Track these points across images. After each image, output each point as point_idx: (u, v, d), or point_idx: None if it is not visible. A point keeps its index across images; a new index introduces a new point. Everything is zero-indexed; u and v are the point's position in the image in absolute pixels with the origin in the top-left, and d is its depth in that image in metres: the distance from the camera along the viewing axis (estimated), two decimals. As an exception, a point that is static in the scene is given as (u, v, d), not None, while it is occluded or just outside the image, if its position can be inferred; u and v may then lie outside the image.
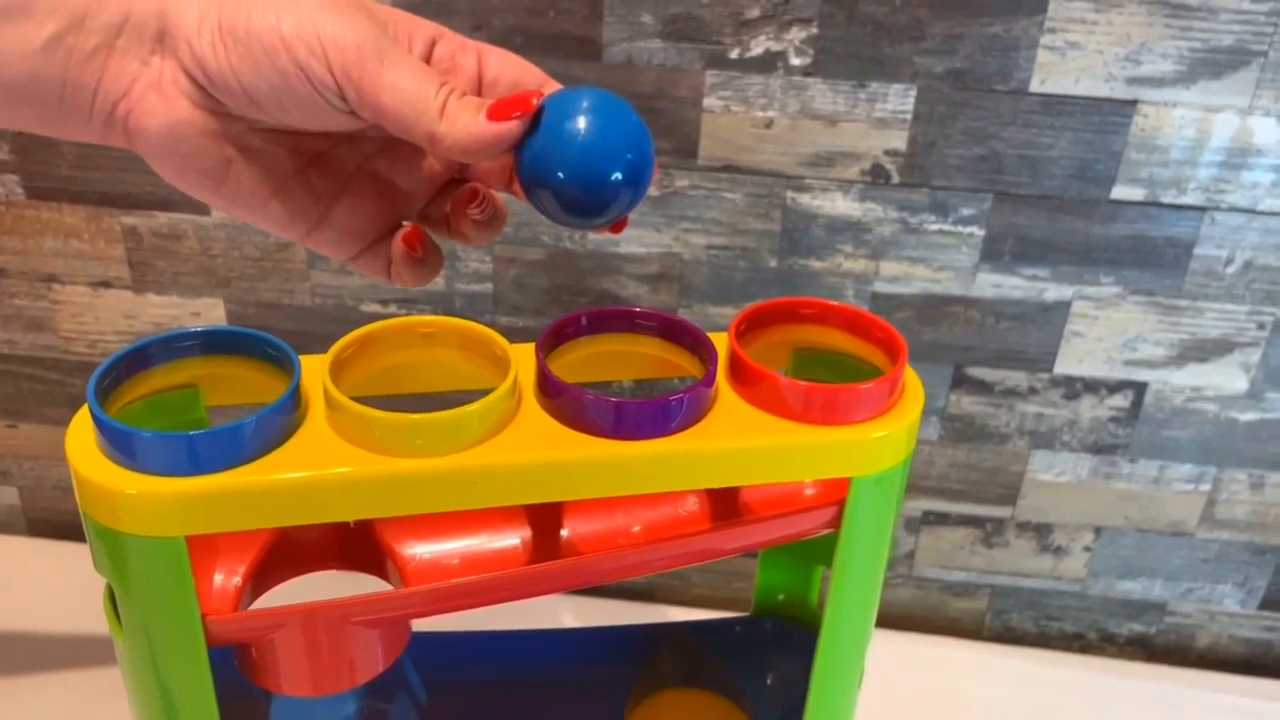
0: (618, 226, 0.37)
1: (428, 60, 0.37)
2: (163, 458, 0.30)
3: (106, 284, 0.66)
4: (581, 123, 0.34)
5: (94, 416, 0.31)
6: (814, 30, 0.56)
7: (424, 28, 0.37)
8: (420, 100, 0.33)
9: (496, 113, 0.34)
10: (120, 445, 0.30)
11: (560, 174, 0.34)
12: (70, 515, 0.75)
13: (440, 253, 0.39)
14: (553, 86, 0.38)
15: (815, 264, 0.62)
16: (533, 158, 0.34)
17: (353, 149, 0.38)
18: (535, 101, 0.34)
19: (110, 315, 0.67)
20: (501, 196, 0.40)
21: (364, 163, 0.39)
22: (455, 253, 0.63)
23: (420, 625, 0.39)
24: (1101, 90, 0.56)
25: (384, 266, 0.39)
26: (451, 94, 0.34)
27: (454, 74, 0.37)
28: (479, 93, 0.38)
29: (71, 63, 0.33)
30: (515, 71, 0.38)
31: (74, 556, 0.69)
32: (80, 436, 0.32)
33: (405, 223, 0.39)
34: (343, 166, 0.38)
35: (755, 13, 0.55)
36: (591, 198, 0.34)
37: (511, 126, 0.34)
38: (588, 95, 0.35)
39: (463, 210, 0.38)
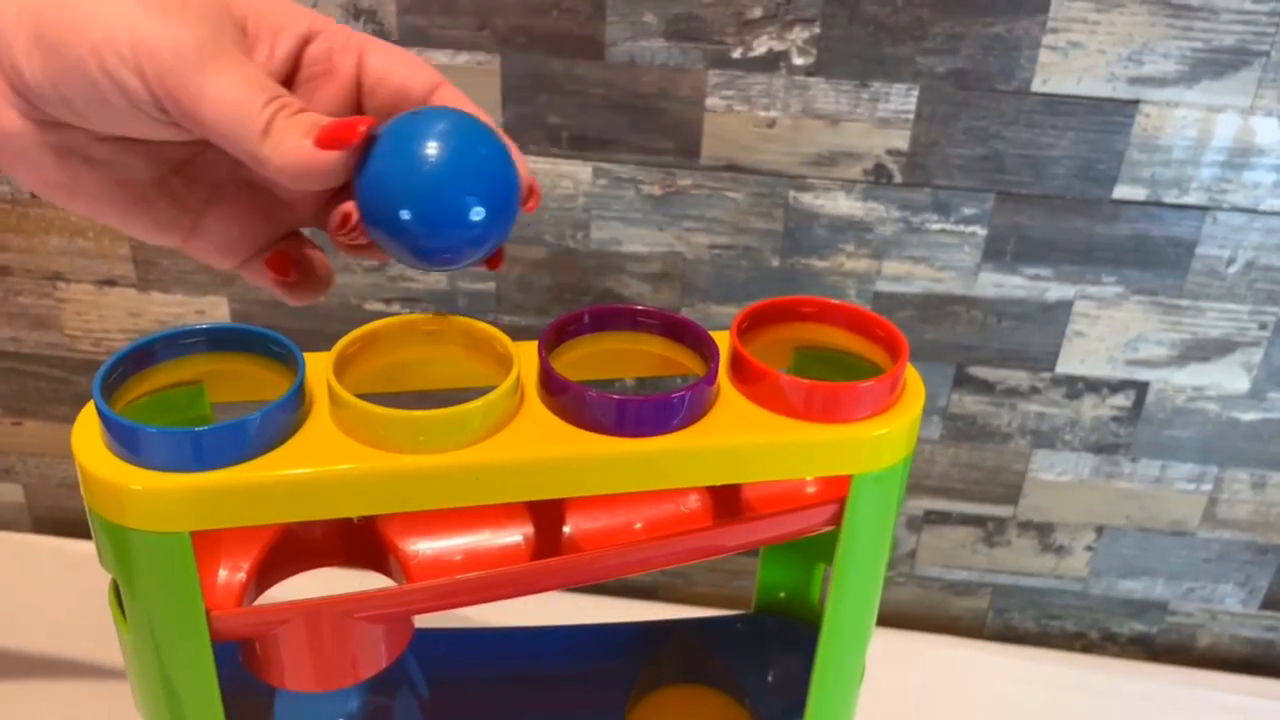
0: (493, 261, 0.34)
1: (297, 60, 0.34)
2: (168, 453, 0.30)
3: (111, 282, 0.66)
4: (430, 149, 0.30)
5: (100, 412, 0.31)
6: (816, 30, 0.56)
7: (297, 22, 0.33)
8: (243, 116, 0.30)
9: (326, 138, 0.30)
10: (126, 441, 0.31)
11: (404, 212, 0.30)
12: (74, 512, 0.75)
13: (321, 270, 0.36)
14: (447, 94, 0.34)
15: (817, 263, 0.62)
16: (369, 192, 0.31)
17: (221, 155, 0.34)
18: (363, 130, 0.30)
19: (115, 313, 0.67)
20: None
21: (236, 170, 0.35)
22: (458, 251, 0.63)
23: (423, 621, 0.39)
24: (1103, 90, 0.56)
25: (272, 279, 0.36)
26: (281, 110, 0.30)
27: (328, 77, 0.34)
28: (357, 99, 0.35)
29: None
30: (402, 75, 0.34)
31: (78, 553, 0.70)
32: (86, 432, 0.32)
33: (303, 232, 0.37)
34: (211, 174, 0.35)
35: (758, 12, 0.56)
36: (440, 239, 0.31)
37: (336, 157, 0.30)
38: (439, 117, 0.31)
39: (335, 234, 0.34)
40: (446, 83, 0.35)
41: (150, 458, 0.31)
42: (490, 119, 0.34)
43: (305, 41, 0.34)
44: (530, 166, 0.38)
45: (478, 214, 0.31)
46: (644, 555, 0.38)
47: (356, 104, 0.35)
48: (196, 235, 0.35)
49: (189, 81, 0.29)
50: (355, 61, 0.34)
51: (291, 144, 0.30)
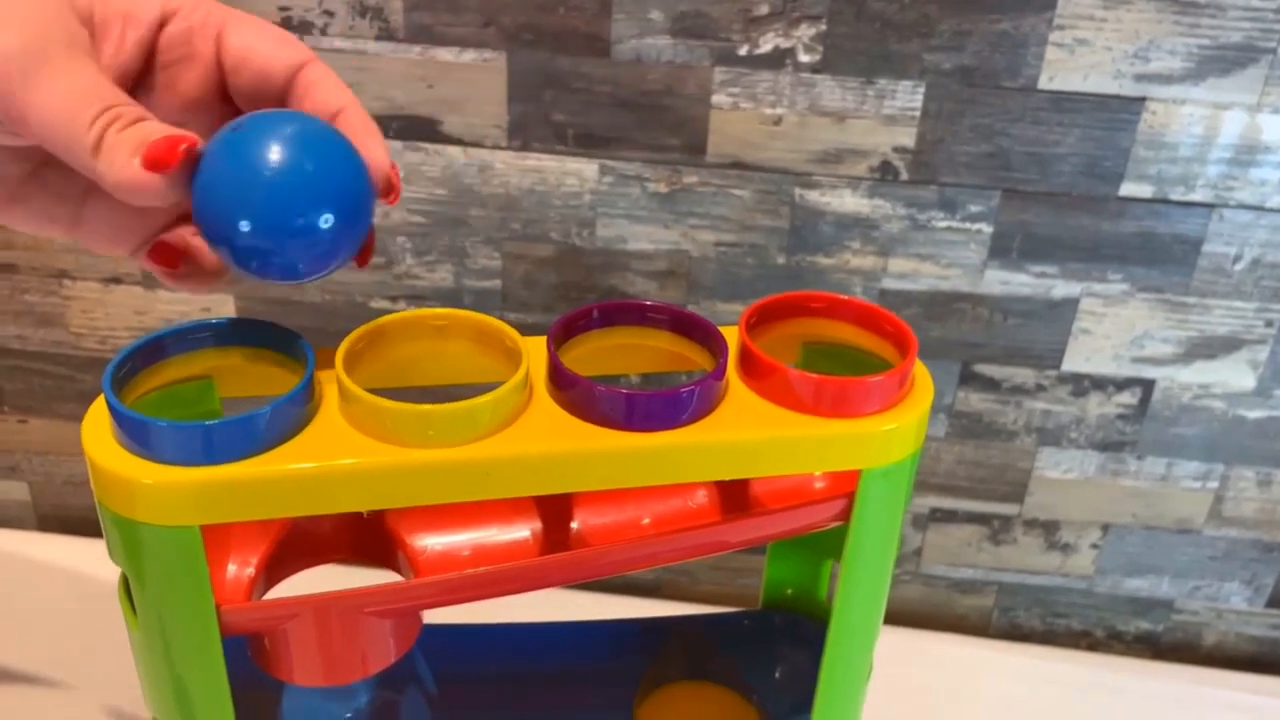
0: (362, 258, 0.32)
1: (153, 45, 0.32)
2: (178, 448, 0.31)
3: (117, 280, 0.66)
4: (263, 157, 0.29)
5: (110, 407, 0.31)
6: (823, 27, 0.56)
7: (149, 4, 0.32)
8: (71, 129, 0.28)
9: (150, 159, 0.28)
10: (136, 435, 0.31)
11: (242, 224, 0.29)
12: (80, 510, 0.75)
13: (209, 261, 0.34)
14: (314, 72, 0.32)
15: (823, 261, 0.62)
16: (202, 209, 0.29)
17: None
18: (183, 149, 0.28)
19: (121, 311, 0.67)
20: None
21: None
22: (465, 250, 0.63)
23: (431, 618, 0.39)
24: (1110, 87, 0.56)
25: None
26: (112, 124, 0.28)
27: (189, 61, 0.32)
28: (221, 81, 0.33)
29: None
30: (263, 55, 0.32)
31: (84, 551, 0.70)
32: (96, 427, 0.32)
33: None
34: None
35: (764, 9, 0.56)
36: (286, 252, 0.29)
37: (163, 178, 0.28)
38: (270, 122, 0.29)
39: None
40: (314, 60, 0.33)
41: (161, 452, 0.31)
42: (359, 104, 0.32)
43: (161, 24, 0.32)
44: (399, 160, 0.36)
45: (326, 221, 0.29)
46: (652, 550, 0.38)
47: (221, 87, 0.33)
48: (81, 225, 0.34)
49: (14, 92, 0.28)
50: (213, 45, 0.32)
51: (121, 163, 0.28)
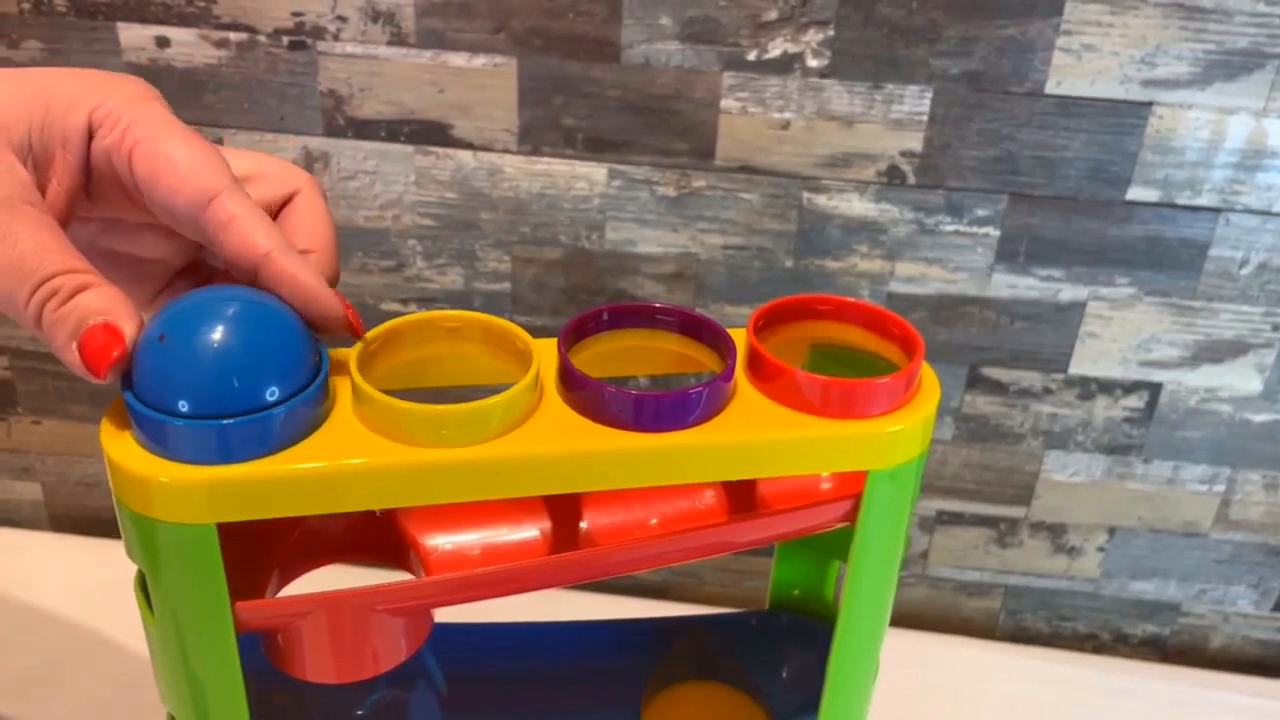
0: (354, 331, 0.33)
1: (87, 162, 0.32)
2: (195, 447, 0.31)
3: (131, 282, 0.67)
4: (215, 336, 0.29)
5: (128, 405, 0.31)
6: (831, 32, 0.56)
7: (75, 122, 0.31)
8: (12, 304, 0.29)
9: (87, 354, 0.29)
10: (154, 434, 0.31)
11: (182, 404, 0.30)
12: (92, 510, 0.76)
13: None
14: (226, 204, 0.31)
15: (831, 264, 0.62)
16: (142, 386, 0.30)
17: (72, 231, 0.32)
18: (116, 354, 0.29)
19: (134, 313, 0.68)
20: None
21: (93, 243, 0.35)
22: (475, 253, 0.63)
23: (441, 616, 0.39)
24: (1117, 92, 0.56)
25: None
26: (49, 300, 0.29)
27: (115, 179, 0.32)
28: (139, 201, 0.32)
29: None
30: (165, 191, 0.31)
31: (96, 551, 0.70)
32: (115, 426, 0.32)
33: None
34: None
35: (773, 15, 0.56)
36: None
37: (104, 370, 0.29)
38: (200, 321, 0.30)
39: None
40: (227, 190, 0.31)
41: (177, 451, 0.31)
42: (284, 246, 0.32)
43: (90, 136, 0.32)
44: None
45: (272, 394, 0.31)
46: (660, 550, 0.39)
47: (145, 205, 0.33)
48: None
49: None
50: (127, 165, 0.31)
51: (60, 344, 0.29)
